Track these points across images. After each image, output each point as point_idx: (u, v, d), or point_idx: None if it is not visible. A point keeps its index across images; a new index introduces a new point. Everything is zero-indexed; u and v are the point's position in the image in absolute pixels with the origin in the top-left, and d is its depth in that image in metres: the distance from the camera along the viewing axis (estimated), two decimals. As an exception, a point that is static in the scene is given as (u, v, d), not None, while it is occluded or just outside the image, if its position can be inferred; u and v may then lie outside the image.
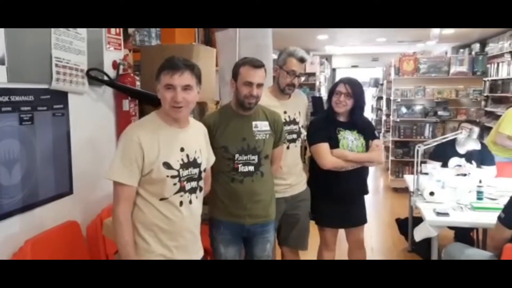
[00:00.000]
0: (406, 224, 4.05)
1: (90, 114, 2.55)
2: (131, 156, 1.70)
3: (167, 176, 1.75)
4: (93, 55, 2.51)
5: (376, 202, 6.11)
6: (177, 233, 1.82)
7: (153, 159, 1.72)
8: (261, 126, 2.25)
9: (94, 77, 2.48)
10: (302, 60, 2.49)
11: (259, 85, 2.17)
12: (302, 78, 2.58)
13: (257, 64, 2.16)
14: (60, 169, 2.30)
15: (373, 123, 10.85)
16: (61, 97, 2.29)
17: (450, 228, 3.54)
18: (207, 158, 1.96)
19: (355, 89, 2.61)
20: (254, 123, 2.24)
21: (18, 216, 2.02)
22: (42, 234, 2.03)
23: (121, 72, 2.71)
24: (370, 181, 7.29)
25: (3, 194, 1.92)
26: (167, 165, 1.75)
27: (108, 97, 2.72)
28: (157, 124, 1.79)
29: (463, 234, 3.80)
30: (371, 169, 7.85)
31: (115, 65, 2.70)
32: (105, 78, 2.56)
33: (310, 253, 2.84)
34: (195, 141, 1.90)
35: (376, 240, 4.50)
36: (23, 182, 2.04)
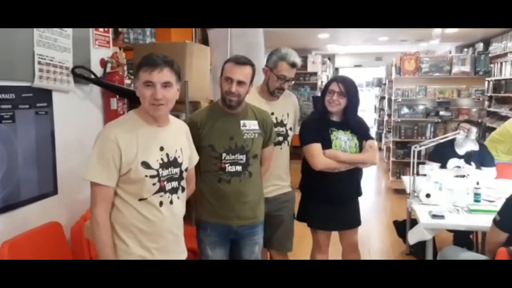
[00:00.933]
0: (404, 226, 3.97)
1: (76, 112, 2.50)
2: (108, 156, 1.65)
3: (146, 176, 1.69)
4: (79, 53, 2.47)
5: (376, 203, 6.04)
6: (157, 234, 1.76)
7: (131, 158, 1.67)
8: (250, 125, 2.19)
9: (80, 75, 2.43)
10: (293, 65, 2.41)
11: (240, 83, 2.10)
12: (293, 82, 2.50)
13: (240, 61, 2.11)
14: (43, 169, 2.26)
15: (376, 124, 10.80)
16: (45, 95, 2.25)
17: (449, 230, 3.46)
18: (189, 157, 1.90)
19: (349, 88, 2.54)
20: (242, 121, 2.18)
21: (-2, 217, 1.98)
22: (21, 235, 1.98)
23: (109, 70, 2.66)
24: (371, 182, 7.26)
25: (-20, 194, 1.88)
26: (146, 165, 1.70)
27: (96, 96, 2.67)
28: (136, 123, 1.74)
29: (462, 237, 3.72)
30: (372, 170, 7.84)
31: (103, 63, 2.65)
32: (92, 76, 2.51)
33: (303, 256, 2.78)
34: (176, 140, 1.84)
35: (375, 242, 4.43)
36: (3, 182, 2.00)
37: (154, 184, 1.72)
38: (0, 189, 1.98)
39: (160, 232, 1.77)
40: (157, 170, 1.73)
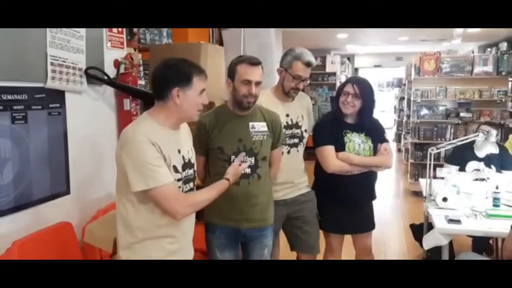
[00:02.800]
0: (421, 230, 3.88)
1: (89, 113, 2.52)
2: (158, 156, 1.63)
3: (175, 180, 1.70)
4: (93, 54, 2.49)
5: (394, 206, 5.92)
6: (178, 236, 1.78)
7: (167, 162, 1.68)
8: (258, 127, 2.17)
9: (93, 75, 2.45)
10: (308, 65, 2.37)
11: (258, 83, 2.09)
12: (308, 82, 2.47)
13: (254, 62, 2.09)
14: (56, 169, 2.28)
15: (395, 124, 10.63)
16: (58, 96, 2.27)
17: (469, 235, 3.37)
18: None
19: (364, 89, 2.49)
20: (251, 123, 2.16)
21: (9, 216, 2.01)
22: (31, 235, 2.00)
23: (122, 71, 2.68)
24: (389, 184, 7.14)
25: (-8, 193, 1.91)
26: (175, 168, 1.71)
27: (109, 96, 2.69)
28: (156, 127, 1.70)
29: (481, 242, 3.63)
30: (391, 172, 7.71)
31: (116, 64, 2.66)
32: (105, 77, 2.53)
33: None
34: (185, 141, 1.86)
35: (391, 246, 4.35)
36: (15, 182, 2.02)
37: (180, 187, 1.74)
38: (13, 188, 2.01)
39: (181, 234, 1.79)
40: (181, 173, 1.74)
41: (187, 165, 1.80)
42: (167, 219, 1.70)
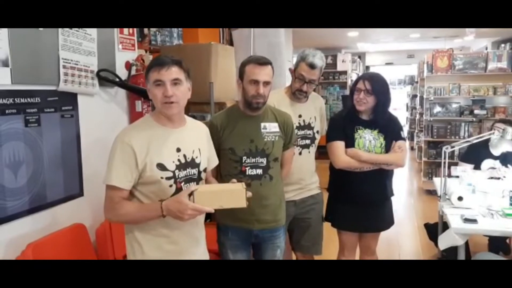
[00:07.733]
0: (436, 229, 3.83)
1: (101, 115, 2.53)
2: (124, 159, 1.65)
3: (162, 178, 1.69)
4: (104, 56, 2.49)
5: (407, 204, 5.88)
6: (176, 236, 1.76)
7: (146, 160, 1.67)
8: (270, 128, 2.15)
9: (105, 78, 2.46)
10: (312, 66, 2.34)
11: (266, 83, 2.07)
12: (315, 85, 2.44)
13: (262, 61, 2.07)
14: (69, 171, 2.29)
15: (408, 122, 10.54)
16: (70, 98, 2.28)
17: (484, 234, 3.32)
18: (208, 158, 1.89)
19: (376, 86, 2.45)
20: (262, 124, 2.15)
21: (24, 219, 2.02)
22: (45, 237, 2.01)
23: (134, 72, 2.68)
24: (402, 183, 7.07)
25: (7, 196, 1.92)
26: (161, 166, 1.69)
27: (121, 98, 2.70)
28: (150, 125, 1.74)
29: (498, 241, 3.57)
30: (404, 170, 7.64)
31: (128, 66, 2.67)
32: (116, 79, 2.54)
33: (329, 258, 2.73)
34: (193, 140, 1.83)
35: (405, 245, 4.31)
36: (29, 184, 2.03)
37: (170, 185, 1.71)
38: (27, 191, 2.02)
39: (179, 234, 1.76)
40: (173, 172, 1.72)
41: (188, 164, 1.77)
42: (161, 219, 1.69)
